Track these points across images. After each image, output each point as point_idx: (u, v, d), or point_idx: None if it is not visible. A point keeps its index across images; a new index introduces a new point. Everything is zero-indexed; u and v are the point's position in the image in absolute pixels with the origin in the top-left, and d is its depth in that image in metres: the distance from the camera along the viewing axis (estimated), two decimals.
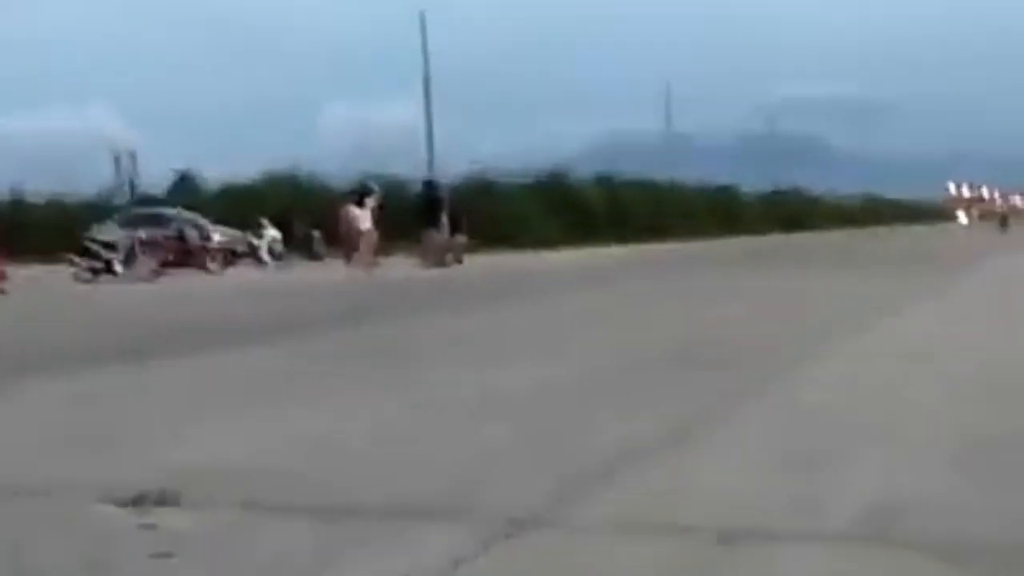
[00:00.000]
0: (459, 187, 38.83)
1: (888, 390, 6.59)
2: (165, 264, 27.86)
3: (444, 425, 5.74)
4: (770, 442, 5.09)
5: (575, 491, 4.19)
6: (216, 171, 49.03)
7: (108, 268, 27.33)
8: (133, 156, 49.23)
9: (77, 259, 28.13)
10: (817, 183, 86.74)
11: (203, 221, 33.78)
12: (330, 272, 26.00)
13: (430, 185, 32.53)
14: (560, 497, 4.10)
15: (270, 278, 25.45)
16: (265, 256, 33.17)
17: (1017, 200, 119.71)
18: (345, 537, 3.65)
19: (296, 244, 35.20)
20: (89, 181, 47.85)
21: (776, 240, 48.93)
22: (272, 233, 34.31)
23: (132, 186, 47.55)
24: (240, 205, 39.46)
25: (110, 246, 28.43)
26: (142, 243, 28.38)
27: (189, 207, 36.85)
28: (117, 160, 48.55)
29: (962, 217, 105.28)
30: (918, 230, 65.35)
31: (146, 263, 27.31)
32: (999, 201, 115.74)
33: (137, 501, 4.12)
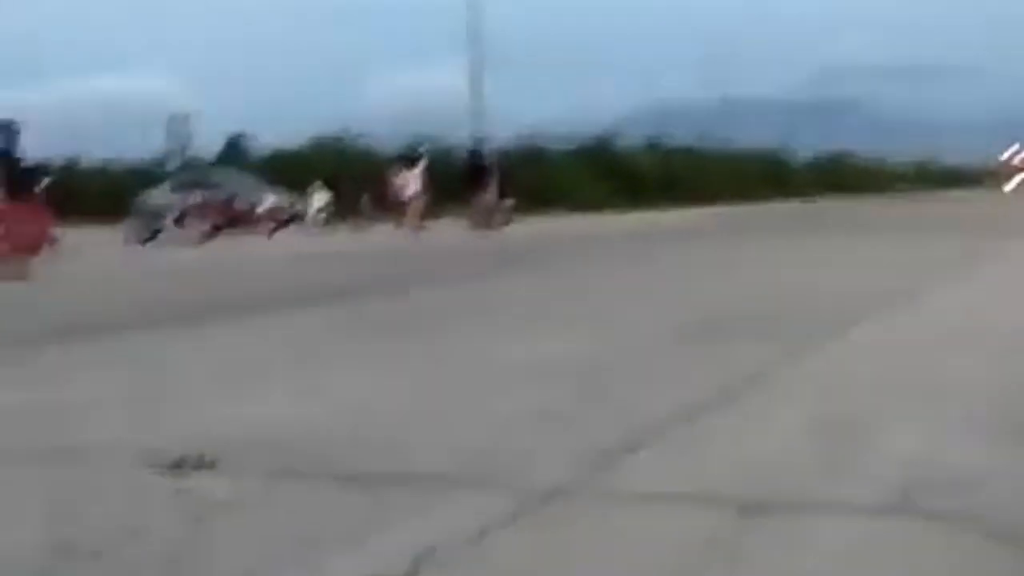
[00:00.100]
0: (508, 152, 38.78)
1: (930, 360, 6.51)
2: (215, 228, 28.11)
3: (484, 392, 5.75)
4: (812, 407, 5.04)
5: (611, 459, 4.18)
6: (268, 136, 49.36)
7: (159, 232, 27.65)
8: (187, 120, 49.60)
9: (129, 223, 28.49)
10: (868, 147, 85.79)
11: (254, 185, 33.99)
12: (378, 236, 26.10)
13: (477, 150, 32.52)
14: (596, 466, 4.09)
15: (318, 242, 25.58)
16: (314, 220, 33.33)
17: None
18: (380, 504, 3.66)
19: (345, 208, 35.36)
20: (142, 146, 48.35)
21: (822, 206, 48.40)
22: (324, 196, 34.45)
23: (184, 151, 47.94)
24: (289, 169, 39.68)
25: (161, 210, 28.75)
26: (193, 207, 28.66)
27: (241, 170, 37.15)
28: (171, 124, 48.93)
29: (1014, 183, 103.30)
30: (964, 195, 64.38)
31: (196, 227, 27.57)
32: None
33: (176, 465, 4.16)
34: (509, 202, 30.47)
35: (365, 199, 35.18)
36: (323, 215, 33.77)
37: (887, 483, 3.74)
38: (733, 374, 6.03)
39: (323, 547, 3.22)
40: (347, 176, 36.77)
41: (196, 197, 29.67)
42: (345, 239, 26.39)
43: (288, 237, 28.99)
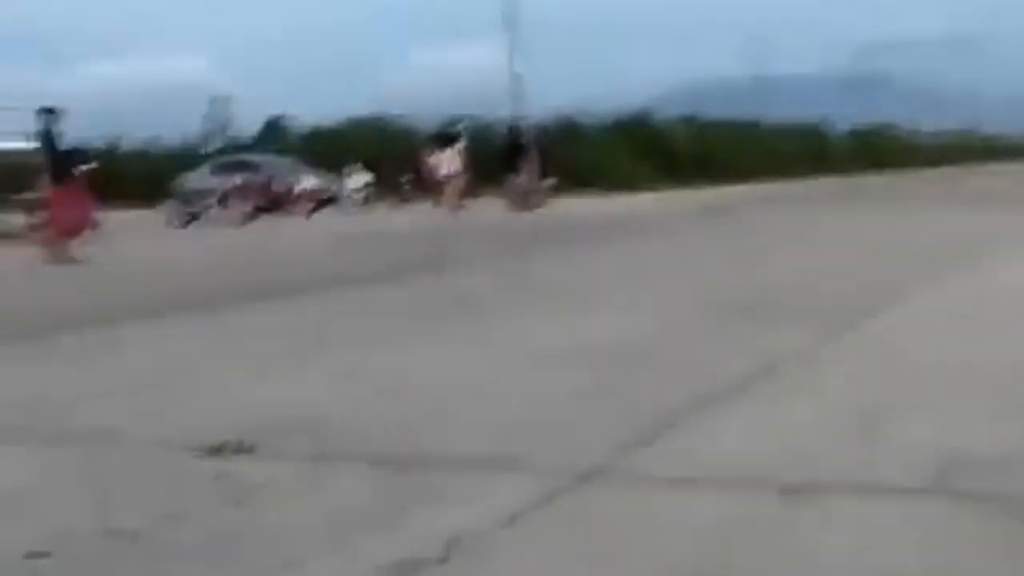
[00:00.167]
0: (546, 130, 38.69)
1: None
2: (255, 210, 28.31)
3: (521, 374, 5.81)
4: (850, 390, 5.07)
5: (645, 441, 4.24)
6: (307, 118, 49.48)
7: (199, 214, 27.91)
8: (227, 103, 49.96)
9: (169, 205, 28.77)
10: (911, 120, 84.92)
11: (293, 166, 34.16)
12: (416, 216, 26.18)
13: (514, 129, 32.48)
14: (630, 445, 4.15)
15: (357, 222, 25.70)
16: (352, 200, 33.44)
17: None
18: (415, 487, 3.74)
19: (383, 188, 35.44)
20: (182, 128, 48.68)
21: (865, 182, 47.91)
22: (363, 177, 34.54)
23: (224, 132, 48.27)
24: (328, 150, 39.79)
25: (201, 193, 29.01)
26: (233, 189, 28.88)
27: (279, 152, 37.33)
28: (211, 107, 49.33)
29: None
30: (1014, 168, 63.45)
31: (236, 209, 27.79)
32: None
33: (216, 450, 4.26)
34: (550, 181, 30.40)
35: (406, 178, 35.18)
36: (361, 194, 33.87)
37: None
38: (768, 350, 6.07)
39: (358, 530, 3.30)
40: (386, 156, 36.83)
41: (235, 179, 29.90)
42: (383, 219, 26.50)
43: (326, 218, 29.13)
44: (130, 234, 20.86)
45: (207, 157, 38.72)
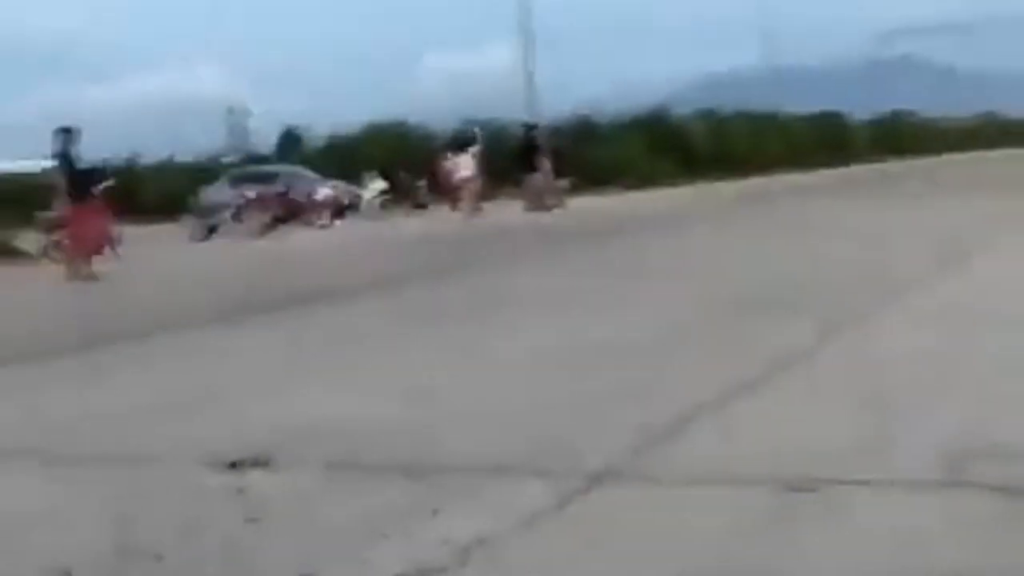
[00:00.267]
0: (562, 129, 38.66)
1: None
2: (274, 220, 28.36)
3: (536, 377, 5.83)
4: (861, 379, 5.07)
5: (657, 440, 4.25)
6: (324, 128, 49.61)
7: (218, 227, 28.02)
8: (245, 115, 50.19)
9: (189, 219, 28.89)
10: (930, 105, 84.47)
11: (310, 176, 34.24)
12: (434, 222, 26.21)
13: (529, 130, 32.46)
14: (643, 445, 4.17)
15: (375, 230, 25.74)
16: (369, 208, 33.47)
17: None
18: (430, 494, 3.75)
19: (401, 194, 35.48)
20: (200, 142, 48.95)
21: (891, 169, 47.67)
22: (379, 185, 34.58)
23: (242, 145, 48.46)
24: (345, 158, 39.89)
25: (219, 206, 29.13)
26: (250, 201, 28.95)
27: (297, 163, 37.44)
28: (230, 120, 49.57)
29: None
30: None
31: (255, 220, 27.85)
32: None
33: (234, 465, 4.28)
34: (564, 182, 30.36)
35: (421, 184, 35.21)
36: (379, 202, 33.90)
37: None
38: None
39: (372, 540, 3.32)
40: (402, 162, 36.87)
41: (252, 191, 29.96)
42: (400, 226, 26.53)
43: (345, 226, 29.18)
44: (149, 249, 20.96)
45: (227, 169, 38.85)
